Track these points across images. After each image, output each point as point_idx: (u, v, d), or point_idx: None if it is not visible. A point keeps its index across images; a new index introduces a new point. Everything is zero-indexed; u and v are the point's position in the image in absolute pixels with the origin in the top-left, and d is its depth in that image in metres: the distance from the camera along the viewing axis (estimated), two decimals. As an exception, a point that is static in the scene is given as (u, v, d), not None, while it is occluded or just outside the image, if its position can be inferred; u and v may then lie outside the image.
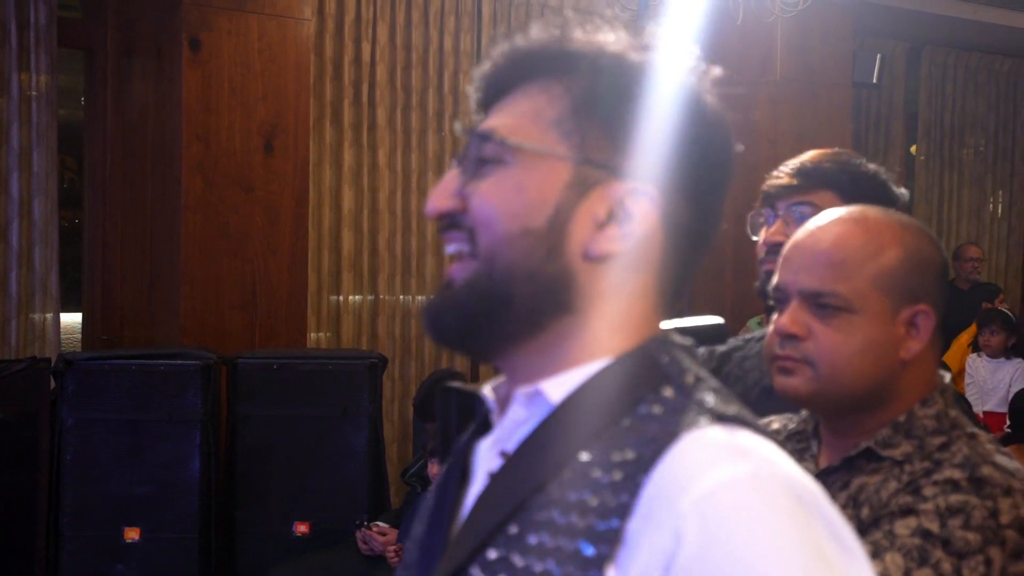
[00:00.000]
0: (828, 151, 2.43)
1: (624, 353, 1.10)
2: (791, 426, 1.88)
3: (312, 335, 5.92)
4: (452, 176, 1.14)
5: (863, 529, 1.61)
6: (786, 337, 1.69)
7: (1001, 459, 1.63)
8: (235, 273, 5.36)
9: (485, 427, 1.22)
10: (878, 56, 7.44)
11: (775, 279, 1.75)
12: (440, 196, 1.14)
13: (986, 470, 1.59)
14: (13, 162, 5.39)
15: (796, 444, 1.83)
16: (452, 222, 1.14)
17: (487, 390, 1.20)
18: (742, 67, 6.91)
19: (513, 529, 1.04)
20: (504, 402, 1.17)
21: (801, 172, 2.35)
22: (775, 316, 1.74)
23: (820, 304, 1.68)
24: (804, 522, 0.96)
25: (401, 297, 6.22)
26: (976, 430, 1.70)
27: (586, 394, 1.08)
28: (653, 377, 1.09)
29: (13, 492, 4.47)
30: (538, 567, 1.00)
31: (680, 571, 0.94)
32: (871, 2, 7.31)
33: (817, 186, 2.33)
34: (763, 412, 1.91)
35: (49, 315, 5.49)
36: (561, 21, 1.18)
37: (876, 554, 1.53)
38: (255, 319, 5.40)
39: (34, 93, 5.44)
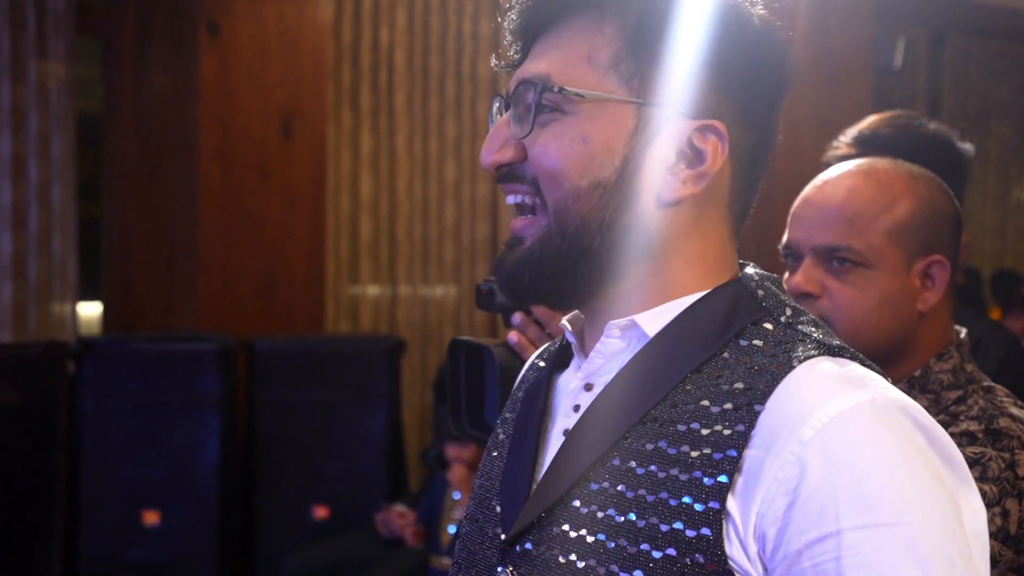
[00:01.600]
0: (887, 115, 2.40)
1: (719, 286, 1.10)
2: None
3: (330, 324, 5.90)
4: (504, 124, 1.11)
5: None
6: (801, 295, 1.67)
7: (1018, 411, 1.61)
8: (253, 259, 5.34)
9: (563, 363, 1.20)
10: (900, 41, 7.38)
11: (785, 237, 1.73)
12: (495, 147, 1.10)
13: (1003, 422, 1.57)
14: (31, 148, 5.38)
15: None
16: (511, 173, 1.10)
17: (565, 322, 1.17)
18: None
19: (615, 461, 1.02)
20: (584, 336, 1.15)
21: (859, 140, 2.33)
22: (787, 275, 1.71)
23: (834, 259, 1.65)
24: (923, 445, 0.97)
25: (420, 284, 6.19)
26: (992, 384, 1.68)
27: (683, 326, 1.07)
28: (751, 310, 1.08)
29: (32, 476, 4.46)
30: (650, 498, 0.98)
31: (807, 496, 0.94)
32: (893, -14, 7.25)
33: (876, 153, 2.31)
34: None
35: (68, 302, 5.48)
36: None
37: None
38: (273, 305, 5.38)
39: (52, 80, 5.43)
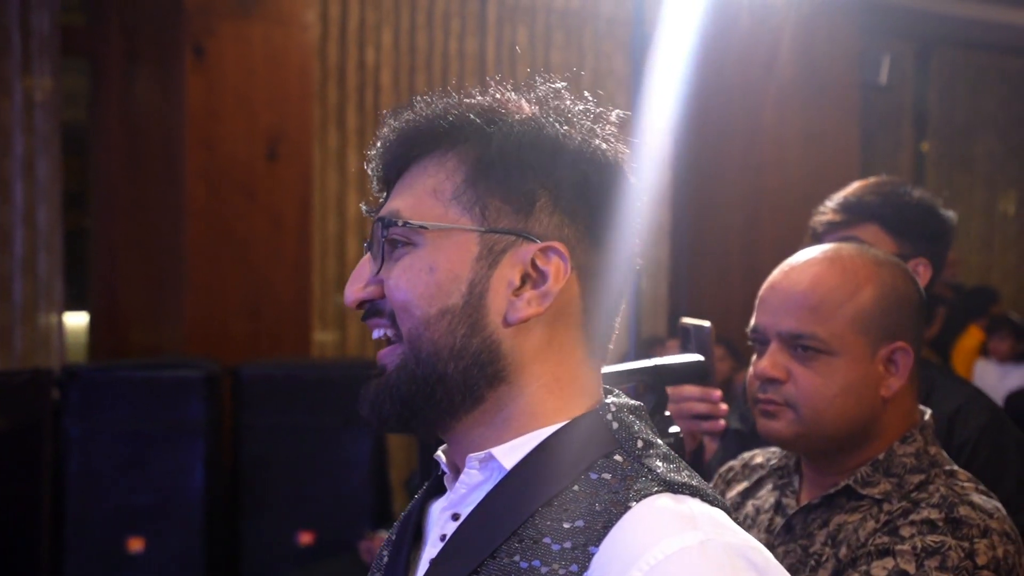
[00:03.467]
0: (871, 182, 2.42)
1: (574, 418, 1.13)
2: (773, 461, 1.88)
3: (318, 336, 5.91)
4: (365, 264, 1.16)
5: (841, 569, 1.62)
6: (766, 381, 1.69)
7: (978, 498, 1.63)
8: (239, 280, 5.35)
9: (438, 489, 1.24)
10: (886, 57, 7.40)
11: (752, 320, 1.75)
12: (357, 286, 1.15)
13: (963, 510, 1.59)
14: (16, 169, 5.38)
15: (778, 479, 1.83)
16: (372, 309, 1.15)
17: (440, 454, 1.22)
18: (747, 69, 6.87)
19: None
20: (455, 466, 1.19)
21: (845, 207, 2.35)
22: (755, 358, 1.73)
23: (799, 346, 1.67)
24: None
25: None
26: (955, 467, 1.71)
27: (537, 460, 1.11)
28: (603, 442, 1.11)
29: (16, 502, 4.47)
30: None
31: None
32: (878, 3, 7.26)
33: (862, 220, 2.33)
34: None
35: (53, 322, 5.48)
36: (447, 93, 1.19)
37: None
38: (260, 325, 5.39)
39: (37, 100, 5.42)
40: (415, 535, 1.21)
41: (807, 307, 1.67)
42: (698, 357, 1.86)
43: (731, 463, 1.98)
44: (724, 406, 2.02)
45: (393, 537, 1.27)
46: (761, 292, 1.75)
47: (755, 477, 1.89)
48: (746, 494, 1.88)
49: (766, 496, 1.84)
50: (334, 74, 5.98)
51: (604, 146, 1.16)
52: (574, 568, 1.02)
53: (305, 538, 4.76)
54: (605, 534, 1.03)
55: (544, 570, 1.03)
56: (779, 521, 1.77)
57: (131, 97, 5.69)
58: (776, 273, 1.75)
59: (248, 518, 4.77)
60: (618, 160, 1.17)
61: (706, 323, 2.05)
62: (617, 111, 1.21)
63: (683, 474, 1.11)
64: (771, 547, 1.74)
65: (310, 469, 4.79)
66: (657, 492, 1.06)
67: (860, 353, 1.67)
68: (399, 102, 6.11)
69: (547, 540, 1.05)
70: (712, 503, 1.09)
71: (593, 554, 1.02)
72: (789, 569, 1.68)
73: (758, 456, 1.93)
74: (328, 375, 4.94)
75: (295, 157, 5.48)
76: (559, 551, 1.04)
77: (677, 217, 6.97)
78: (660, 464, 1.10)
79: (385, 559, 1.25)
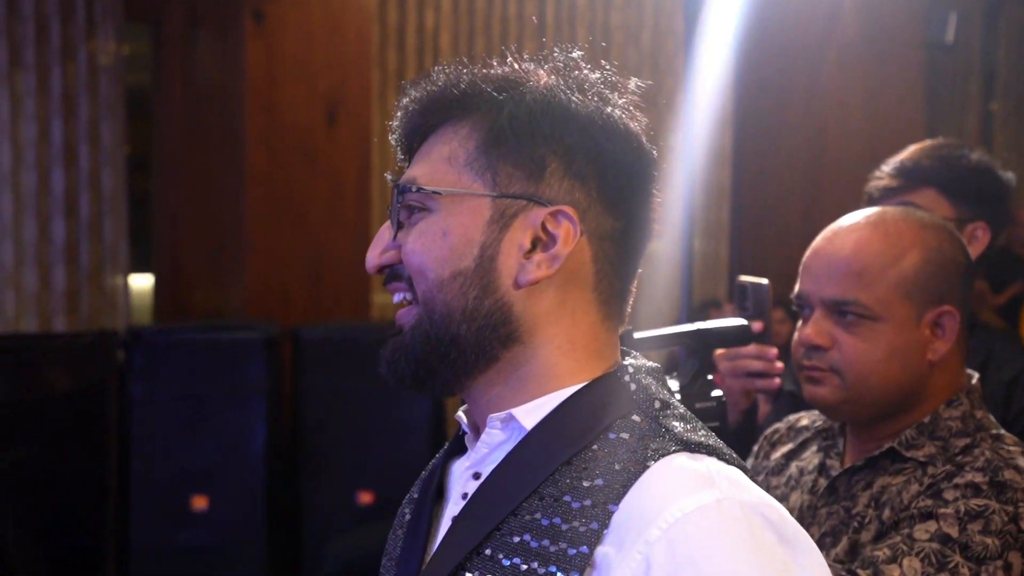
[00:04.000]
0: (927, 145, 2.39)
1: (593, 380, 1.16)
2: (818, 423, 1.87)
3: (377, 299, 5.96)
4: (385, 230, 1.21)
5: (883, 531, 1.61)
6: (811, 347, 1.68)
7: None
8: (299, 243, 5.40)
9: (459, 448, 1.27)
10: (952, 14, 7.26)
11: (796, 287, 1.74)
12: (376, 252, 1.21)
13: (1008, 474, 1.58)
14: (82, 134, 5.46)
15: (823, 441, 1.83)
16: (392, 273, 1.20)
17: (460, 414, 1.25)
18: (808, 27, 6.78)
19: (487, 551, 1.09)
20: (475, 426, 1.22)
21: (901, 171, 2.33)
22: (799, 325, 1.73)
23: (843, 313, 1.66)
24: (768, 545, 1.04)
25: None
26: (1001, 431, 1.69)
27: (557, 421, 1.14)
28: (622, 403, 1.14)
29: (83, 462, 4.57)
30: None
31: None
32: (945, -41, 7.13)
33: (918, 184, 2.31)
34: None
35: (119, 285, 5.57)
36: (464, 64, 1.22)
37: (894, 558, 1.54)
38: (320, 288, 5.44)
39: (102, 65, 5.49)
40: (437, 493, 1.25)
41: (850, 273, 1.66)
42: (741, 321, 1.86)
43: (776, 425, 1.98)
44: (780, 364, 2.02)
45: (415, 495, 1.31)
46: (805, 258, 1.74)
47: (800, 439, 1.89)
48: (790, 456, 1.88)
49: (810, 458, 1.84)
50: (393, 38, 5.98)
51: (618, 113, 1.18)
52: (594, 525, 1.05)
53: (364, 498, 4.82)
54: (624, 492, 1.06)
55: (565, 527, 1.06)
56: (823, 482, 1.77)
57: (193, 62, 5.74)
58: (819, 239, 1.74)
59: (308, 478, 4.84)
60: (632, 128, 1.19)
61: (764, 280, 2.03)
62: (636, 80, 1.23)
63: (700, 434, 1.13)
64: (814, 508, 1.75)
65: (369, 430, 4.84)
66: (675, 451, 1.09)
67: (905, 318, 1.66)
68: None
69: (567, 498, 1.07)
70: (728, 462, 1.11)
71: (613, 512, 1.05)
72: (831, 531, 1.68)
73: (804, 418, 1.93)
74: (387, 337, 4.98)
75: (354, 121, 5.51)
76: (579, 508, 1.06)
77: (737, 177, 6.92)
78: (677, 424, 1.13)
79: (407, 516, 1.28)
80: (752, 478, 1.12)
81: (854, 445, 1.76)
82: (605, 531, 1.05)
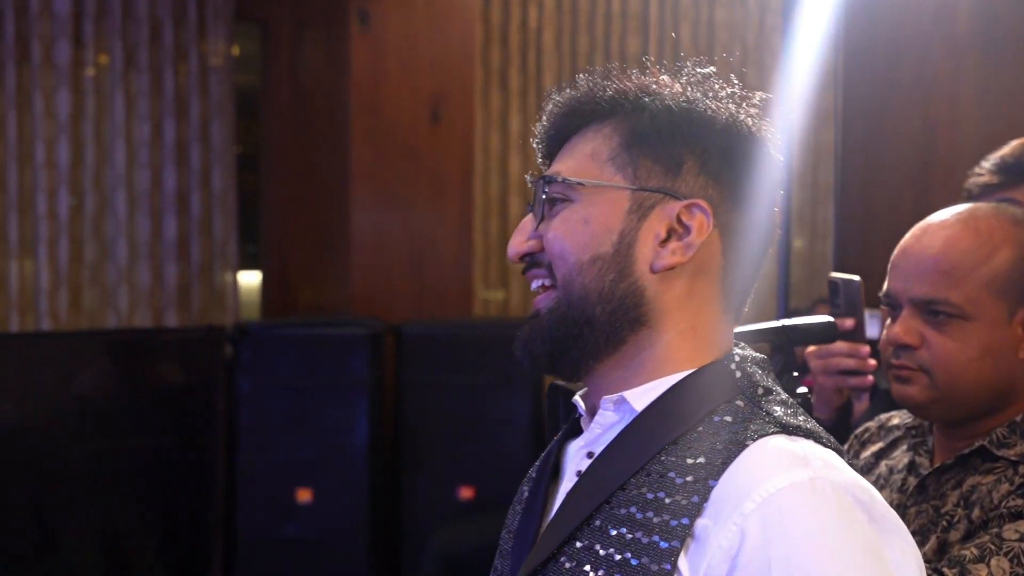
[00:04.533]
0: None
1: (703, 366, 1.24)
2: (908, 421, 1.84)
3: (480, 295, 6.00)
4: (527, 221, 1.30)
5: (972, 531, 1.58)
6: (900, 346, 1.66)
7: None
8: (403, 240, 5.46)
9: (575, 430, 1.36)
10: (1072, 6, 7.04)
11: (885, 285, 1.72)
12: (519, 240, 1.29)
13: None
14: (193, 133, 5.59)
15: (912, 439, 1.80)
16: (532, 261, 1.29)
17: (577, 398, 1.33)
18: (918, 18, 6.64)
19: (597, 522, 1.17)
20: (592, 409, 1.30)
21: (1002, 168, 2.29)
22: (888, 323, 1.71)
23: (932, 312, 1.63)
24: (858, 524, 1.09)
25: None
26: None
27: (666, 403, 1.22)
28: (726, 389, 1.22)
29: (192, 453, 4.69)
30: (617, 556, 1.14)
31: (744, 563, 1.07)
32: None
33: (1020, 181, 2.26)
34: None
35: (228, 281, 5.70)
36: (605, 72, 1.32)
37: (982, 557, 1.51)
38: (423, 285, 5.49)
39: (212, 66, 5.62)
40: (553, 472, 1.33)
41: (939, 271, 1.64)
42: (827, 318, 1.85)
43: (867, 424, 1.95)
44: (872, 362, 1.99)
45: (533, 475, 1.39)
46: (894, 256, 1.72)
47: (890, 438, 1.87)
48: (880, 455, 1.86)
49: (900, 457, 1.82)
50: (496, 36, 6.01)
51: (749, 120, 1.27)
52: (695, 499, 1.12)
53: (465, 493, 4.86)
54: (724, 469, 1.13)
55: (668, 501, 1.13)
56: (912, 481, 1.74)
57: (300, 62, 5.84)
58: (908, 236, 1.72)
59: (409, 473, 4.89)
60: (761, 133, 1.28)
61: (855, 277, 2.02)
62: (761, 94, 1.31)
63: (799, 418, 1.20)
64: (903, 507, 1.73)
65: (470, 426, 4.88)
66: (773, 433, 1.16)
67: (997, 316, 1.62)
68: (561, 63, 6.12)
69: (672, 474, 1.15)
70: (825, 445, 1.17)
71: (712, 487, 1.12)
72: (920, 529, 1.66)
73: (895, 417, 1.90)
74: (489, 334, 5.02)
75: (458, 119, 5.55)
76: (682, 484, 1.14)
77: (843, 176, 6.80)
78: (778, 408, 1.20)
79: (525, 494, 1.37)
80: (849, 462, 1.18)
81: (943, 444, 1.74)
82: (705, 504, 1.11)
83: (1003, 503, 1.58)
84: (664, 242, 1.23)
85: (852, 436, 1.96)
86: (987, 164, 2.32)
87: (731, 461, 1.13)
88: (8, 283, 5.35)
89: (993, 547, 1.52)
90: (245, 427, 4.72)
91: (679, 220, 1.23)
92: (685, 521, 1.11)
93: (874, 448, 1.88)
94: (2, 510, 4.39)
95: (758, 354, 1.28)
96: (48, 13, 5.33)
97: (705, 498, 1.12)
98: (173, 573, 4.65)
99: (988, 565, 1.51)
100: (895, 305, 1.70)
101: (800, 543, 1.07)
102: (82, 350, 4.80)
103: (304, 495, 4.72)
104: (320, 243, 5.80)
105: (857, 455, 1.91)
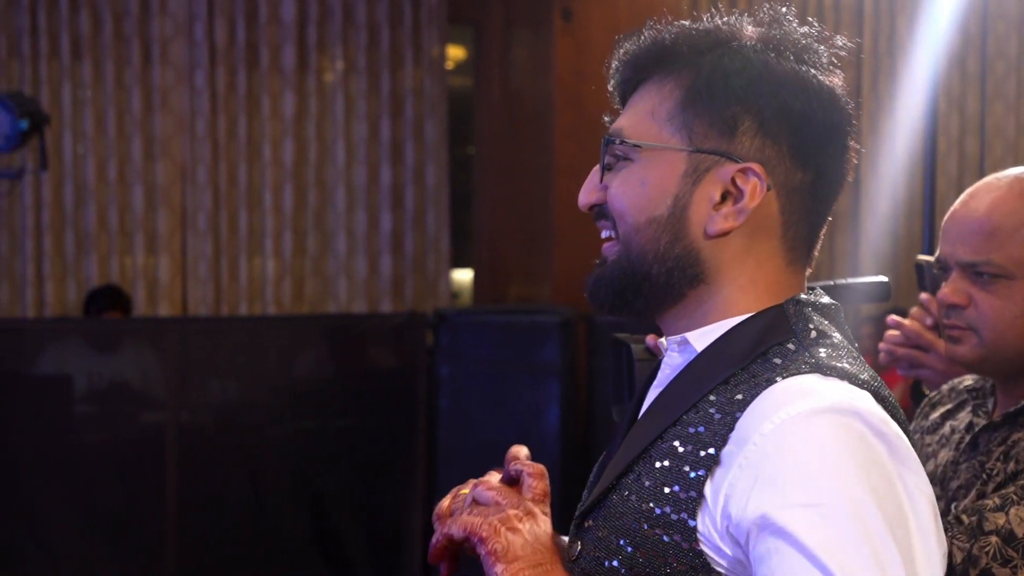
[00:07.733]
0: None
1: (761, 310, 1.25)
2: (968, 382, 1.86)
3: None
4: (595, 172, 1.34)
5: (1004, 482, 1.58)
6: (950, 307, 1.70)
7: None
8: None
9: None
10: None
11: (937, 251, 1.75)
12: (587, 191, 1.35)
13: None
14: (407, 132, 5.87)
15: (974, 399, 1.80)
16: (600, 212, 1.34)
17: (662, 340, 1.36)
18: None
19: (651, 454, 1.22)
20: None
21: None
22: (943, 286, 1.74)
23: (978, 272, 1.66)
24: (876, 454, 1.11)
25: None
26: None
27: (723, 344, 1.25)
28: (780, 332, 1.23)
29: (395, 433, 4.92)
30: (656, 487, 1.19)
31: (764, 478, 1.10)
32: None
33: None
34: None
35: (441, 273, 5.95)
36: (673, 22, 1.32)
37: (1003, 507, 1.53)
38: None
39: (426, 67, 5.88)
40: (635, 413, 1.37)
41: (982, 234, 1.67)
42: (882, 278, 1.87)
43: (942, 386, 1.96)
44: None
45: (622, 418, 1.45)
46: (944, 221, 1.76)
47: (958, 400, 1.88)
48: (946, 415, 1.88)
49: (963, 417, 1.83)
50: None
51: (812, 72, 1.25)
52: (723, 431, 1.16)
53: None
54: (750, 402, 1.16)
55: (705, 433, 1.17)
56: (967, 439, 1.76)
57: (509, 62, 6.04)
58: (958, 202, 1.76)
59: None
60: (827, 84, 1.26)
61: (883, 277, 2.02)
62: (842, 36, 1.30)
63: (844, 361, 1.20)
64: (956, 463, 1.75)
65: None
66: (806, 372, 1.17)
67: None
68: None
69: (712, 410, 1.19)
70: (860, 386, 1.17)
71: (739, 418, 1.16)
72: (964, 484, 1.68)
73: (967, 379, 1.91)
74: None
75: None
76: (719, 419, 1.18)
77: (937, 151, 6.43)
78: (823, 351, 1.21)
79: (615, 436, 1.43)
80: (912, 420, 1.18)
81: (1002, 403, 1.76)
82: (730, 434, 1.15)
83: None
84: (718, 205, 1.24)
85: (925, 400, 1.97)
86: None
87: (758, 394, 1.16)
88: (238, 273, 5.76)
89: (1015, 497, 1.54)
90: (445, 409, 4.92)
91: (734, 183, 1.24)
92: (711, 451, 1.15)
93: (942, 409, 1.90)
94: (223, 477, 4.74)
95: (825, 300, 1.28)
96: (275, 20, 5.71)
97: (731, 428, 1.15)
98: (374, 547, 4.89)
99: (1007, 513, 1.52)
100: (946, 267, 1.74)
101: (813, 462, 1.09)
102: (293, 334, 5.12)
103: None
104: (527, 239, 5.96)
105: (927, 416, 1.92)
